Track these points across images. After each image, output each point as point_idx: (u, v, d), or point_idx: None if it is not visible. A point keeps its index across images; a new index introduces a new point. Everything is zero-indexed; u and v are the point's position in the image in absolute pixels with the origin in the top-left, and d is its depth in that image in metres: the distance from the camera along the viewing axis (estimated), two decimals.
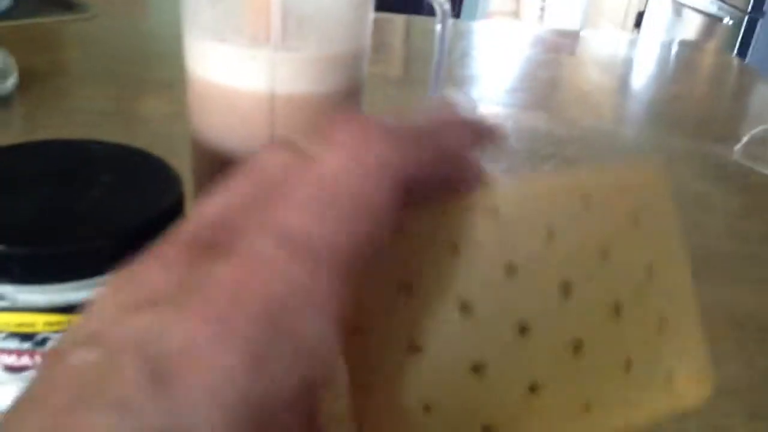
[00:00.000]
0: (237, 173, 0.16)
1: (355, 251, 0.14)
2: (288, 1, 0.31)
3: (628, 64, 1.11)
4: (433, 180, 0.17)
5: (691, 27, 2.74)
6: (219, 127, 0.34)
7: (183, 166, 0.32)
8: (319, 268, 0.13)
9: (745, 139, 0.73)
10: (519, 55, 1.08)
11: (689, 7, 2.74)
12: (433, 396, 0.17)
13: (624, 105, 0.91)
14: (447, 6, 0.39)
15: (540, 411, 0.18)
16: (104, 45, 0.85)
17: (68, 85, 0.71)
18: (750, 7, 2.34)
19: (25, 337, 0.24)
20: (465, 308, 0.17)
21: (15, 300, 0.24)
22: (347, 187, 0.14)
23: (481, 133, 0.19)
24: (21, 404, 0.12)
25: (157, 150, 0.31)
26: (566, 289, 0.18)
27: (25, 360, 0.24)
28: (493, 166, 0.63)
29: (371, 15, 0.35)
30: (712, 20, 2.55)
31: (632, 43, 1.28)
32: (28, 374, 0.24)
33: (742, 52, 2.36)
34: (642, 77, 1.05)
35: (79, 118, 0.62)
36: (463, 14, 2.67)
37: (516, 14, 4.55)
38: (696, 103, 0.92)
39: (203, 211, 0.15)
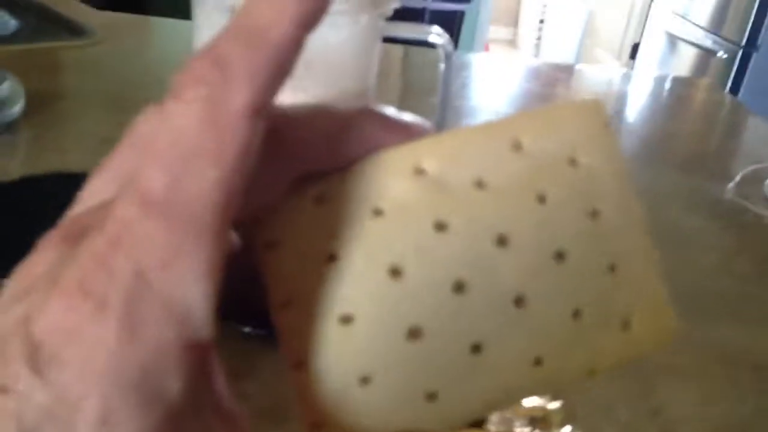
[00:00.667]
0: (120, 142, 0.16)
1: (212, 202, 0.14)
2: None
3: (622, 100, 1.13)
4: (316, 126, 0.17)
5: (685, 59, 2.78)
6: None
7: None
8: (177, 225, 0.13)
9: (737, 177, 0.74)
10: (516, 88, 1.10)
11: (684, 40, 2.78)
12: (370, 367, 0.17)
13: (619, 141, 0.92)
14: (450, 48, 0.40)
15: (487, 371, 0.17)
16: (109, 70, 0.87)
17: (74, 110, 0.72)
18: (744, 41, 2.38)
19: None
20: (395, 273, 0.17)
21: None
22: (195, 139, 0.14)
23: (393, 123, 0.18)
24: None
25: None
26: (502, 240, 0.17)
27: None
28: None
29: (377, 58, 0.36)
30: (707, 53, 2.58)
31: (626, 78, 1.30)
32: None
33: (737, 85, 2.39)
34: (636, 113, 1.06)
35: (86, 144, 0.63)
36: (461, 42, 2.70)
37: (513, 43, 4.60)
38: (689, 140, 0.94)
39: (83, 195, 0.16)
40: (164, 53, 0.99)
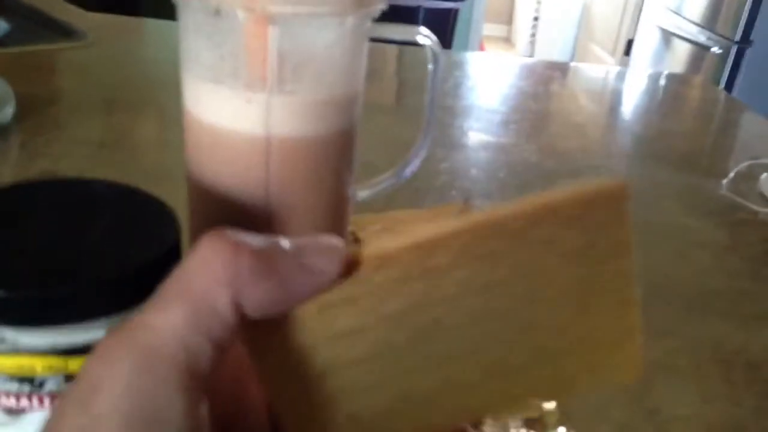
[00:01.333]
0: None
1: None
2: (284, 46, 0.32)
3: (616, 97, 1.13)
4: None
5: (679, 55, 2.79)
6: (214, 166, 0.35)
7: (177, 195, 0.32)
8: None
9: (732, 173, 0.74)
10: (511, 87, 1.10)
11: (677, 36, 2.78)
12: None
13: (613, 138, 0.92)
14: (438, 49, 0.40)
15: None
16: (100, 72, 0.86)
17: (65, 113, 0.72)
18: (738, 37, 2.38)
19: (24, 380, 0.24)
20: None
21: (16, 343, 0.24)
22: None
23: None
24: None
25: (153, 179, 0.32)
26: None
27: (24, 402, 0.24)
28: (483, 201, 0.64)
29: (365, 60, 0.36)
30: (701, 49, 2.59)
31: (621, 76, 1.30)
32: (28, 417, 0.25)
33: (731, 81, 2.39)
34: (631, 110, 1.06)
35: (77, 147, 0.62)
36: (456, 39, 2.70)
37: (507, 40, 4.60)
38: (684, 137, 0.94)
39: None
40: (156, 55, 0.99)
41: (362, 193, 0.41)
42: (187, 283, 0.17)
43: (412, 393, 0.19)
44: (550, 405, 0.36)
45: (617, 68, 2.44)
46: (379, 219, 0.51)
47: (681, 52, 2.78)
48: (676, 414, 0.40)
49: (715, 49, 2.46)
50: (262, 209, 0.35)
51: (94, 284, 0.25)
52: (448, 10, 2.71)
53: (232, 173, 0.34)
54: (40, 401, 0.25)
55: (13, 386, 0.24)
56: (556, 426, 0.36)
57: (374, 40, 0.36)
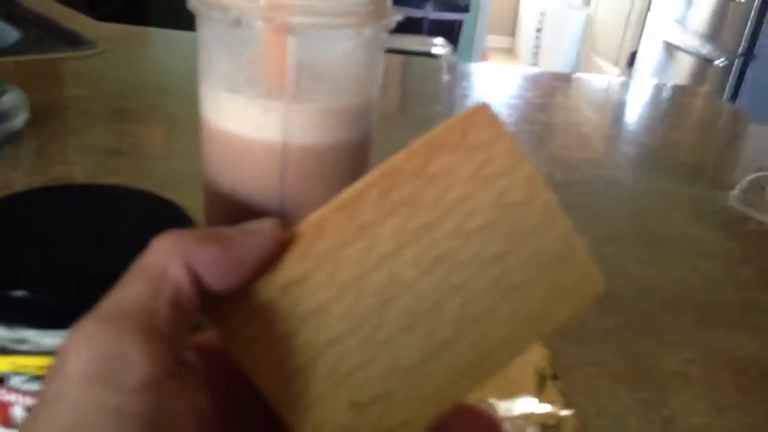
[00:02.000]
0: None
1: None
2: (303, 56, 0.32)
3: (621, 108, 1.13)
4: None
5: (682, 68, 2.79)
6: (231, 173, 0.35)
7: (187, 201, 0.33)
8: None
9: (740, 185, 0.74)
10: (515, 98, 1.10)
11: (681, 48, 2.79)
12: None
13: (619, 149, 0.92)
14: (454, 59, 0.40)
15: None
16: (111, 80, 0.87)
17: (77, 121, 0.72)
18: (742, 49, 2.39)
19: None
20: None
21: (38, 344, 0.25)
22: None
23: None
24: None
25: (163, 185, 0.32)
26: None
27: None
28: None
29: (381, 70, 0.36)
30: (704, 61, 2.59)
31: (624, 87, 1.31)
32: None
33: (734, 94, 2.40)
34: (635, 121, 1.07)
35: (90, 154, 0.63)
36: (459, 51, 2.71)
37: (511, 52, 4.62)
38: (690, 148, 0.94)
39: None
40: (165, 64, 0.99)
41: None
42: (142, 263, 0.19)
43: (402, 364, 0.20)
44: (567, 411, 0.36)
45: (621, 79, 2.45)
46: None
47: (684, 64, 2.79)
48: (691, 423, 0.40)
49: (719, 62, 2.47)
50: (278, 216, 0.35)
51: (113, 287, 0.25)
52: (453, 22, 2.72)
53: (248, 180, 0.35)
54: None
55: (35, 386, 0.25)
56: None
57: (388, 50, 0.36)
